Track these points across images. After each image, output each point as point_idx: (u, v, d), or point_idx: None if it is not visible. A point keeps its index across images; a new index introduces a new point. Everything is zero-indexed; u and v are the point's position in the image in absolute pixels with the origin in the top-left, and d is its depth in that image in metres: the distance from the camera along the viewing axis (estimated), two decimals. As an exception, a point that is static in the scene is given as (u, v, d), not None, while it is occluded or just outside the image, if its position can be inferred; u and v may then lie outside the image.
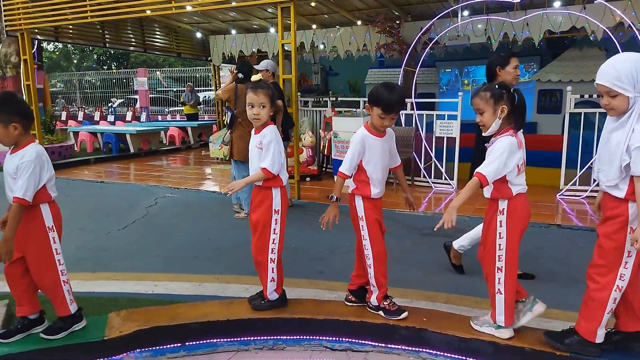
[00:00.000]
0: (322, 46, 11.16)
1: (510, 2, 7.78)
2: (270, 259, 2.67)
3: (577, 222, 5.07)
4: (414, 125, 7.05)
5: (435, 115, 6.83)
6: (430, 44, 7.71)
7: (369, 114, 2.57)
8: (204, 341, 2.61)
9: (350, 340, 2.60)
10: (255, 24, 10.82)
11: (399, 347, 2.52)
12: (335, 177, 2.69)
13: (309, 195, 6.50)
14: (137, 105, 16.64)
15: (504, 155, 2.20)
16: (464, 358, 2.40)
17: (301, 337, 2.65)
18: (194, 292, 3.37)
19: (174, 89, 21.32)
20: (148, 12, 7.53)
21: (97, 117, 15.97)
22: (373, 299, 2.68)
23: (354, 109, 8.13)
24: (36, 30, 8.64)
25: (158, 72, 20.98)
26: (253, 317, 2.64)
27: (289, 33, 6.31)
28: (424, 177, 6.94)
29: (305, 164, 7.53)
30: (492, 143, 2.31)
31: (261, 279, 2.74)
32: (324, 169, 7.98)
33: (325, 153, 7.87)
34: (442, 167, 6.75)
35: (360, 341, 2.59)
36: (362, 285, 2.81)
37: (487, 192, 2.35)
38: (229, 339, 2.64)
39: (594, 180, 5.65)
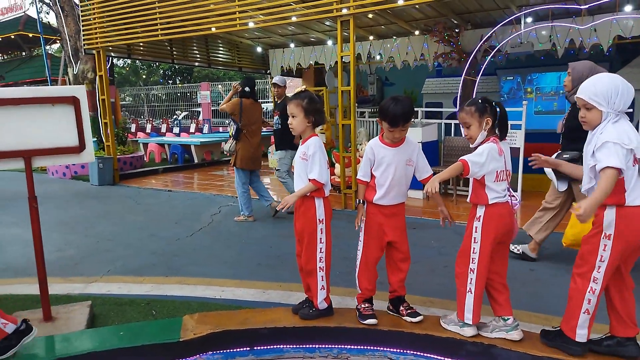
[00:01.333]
0: (378, 57, 11.19)
1: (577, 8, 7.49)
2: (319, 267, 2.73)
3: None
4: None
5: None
6: (493, 52, 7.51)
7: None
8: (272, 346, 2.70)
9: (415, 352, 2.59)
10: (312, 37, 11.03)
11: (466, 362, 2.48)
12: (358, 185, 2.85)
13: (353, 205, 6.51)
14: (200, 117, 17.36)
15: (484, 155, 2.37)
16: (534, 377, 2.32)
17: (365, 347, 2.67)
18: (259, 299, 3.49)
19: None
20: (213, 29, 7.90)
21: (163, 129, 16.82)
22: (356, 299, 2.86)
23: (412, 119, 8.07)
24: (110, 48, 9.28)
25: (219, 86, 21.82)
26: (319, 326, 2.70)
27: (348, 45, 6.39)
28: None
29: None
30: (474, 149, 2.48)
31: (311, 288, 2.80)
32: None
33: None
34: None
35: (425, 354, 2.57)
36: (398, 295, 2.84)
37: (469, 197, 2.55)
38: (295, 346, 2.71)
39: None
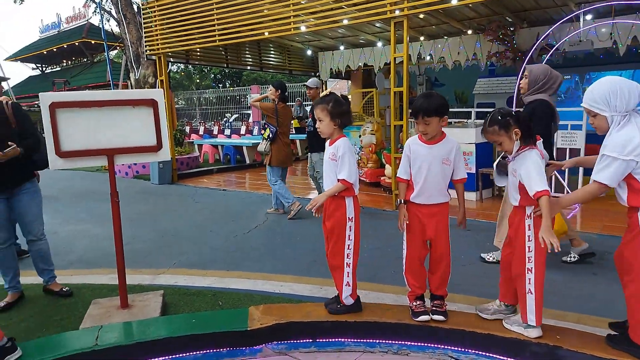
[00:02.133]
0: (428, 57, 11.09)
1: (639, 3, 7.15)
2: (346, 263, 2.80)
3: None
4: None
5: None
6: (551, 51, 7.29)
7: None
8: (334, 339, 2.78)
9: (476, 352, 2.60)
10: (362, 39, 11.09)
11: (530, 362, 2.47)
12: (398, 184, 2.88)
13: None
14: (250, 120, 17.79)
15: (538, 165, 2.39)
16: (603, 380, 2.28)
17: (426, 344, 2.70)
18: (316, 294, 3.58)
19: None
20: (266, 34, 8.11)
21: (215, 131, 17.37)
22: (408, 298, 2.88)
23: (465, 120, 7.97)
24: (170, 54, 9.71)
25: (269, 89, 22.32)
26: (380, 321, 2.76)
27: (399, 46, 6.41)
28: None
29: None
30: (513, 159, 2.51)
31: (336, 283, 2.87)
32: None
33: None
34: (564, 181, 6.35)
35: (487, 354, 2.57)
36: (434, 294, 2.85)
37: (515, 200, 2.53)
38: (356, 340, 2.78)
39: None
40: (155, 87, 10.65)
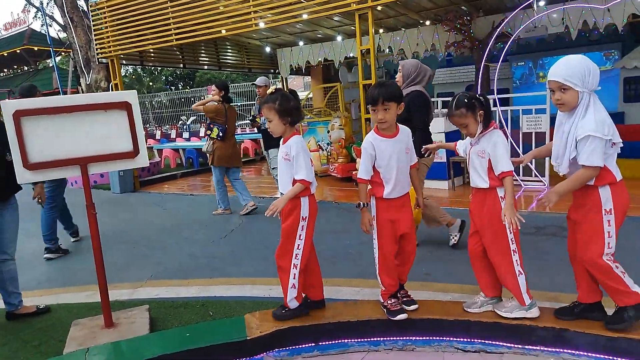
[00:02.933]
0: (387, 50, 11.14)
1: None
2: (293, 264, 2.68)
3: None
4: (497, 122, 6.86)
5: (521, 110, 6.61)
6: (510, 40, 7.44)
7: None
8: (337, 341, 2.69)
9: (483, 341, 2.57)
10: (320, 34, 11.00)
11: (537, 348, 2.46)
12: (359, 185, 2.74)
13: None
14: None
15: (505, 144, 2.47)
16: (610, 358, 2.31)
17: (431, 337, 2.66)
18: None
19: (238, 104, 22.10)
20: (223, 31, 7.87)
21: (173, 135, 16.86)
22: (381, 297, 2.78)
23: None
24: (122, 56, 9.28)
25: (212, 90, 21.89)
26: (383, 318, 2.69)
27: (365, 38, 6.38)
28: (511, 175, 6.72)
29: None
30: (477, 142, 2.53)
31: (282, 285, 2.74)
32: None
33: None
34: (532, 164, 6.51)
35: (494, 342, 2.55)
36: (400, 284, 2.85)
37: (484, 182, 2.52)
38: (359, 340, 2.70)
39: None
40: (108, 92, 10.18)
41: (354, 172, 7.65)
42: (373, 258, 2.78)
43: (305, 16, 7.17)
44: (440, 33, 9.80)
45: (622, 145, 2.28)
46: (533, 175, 6.55)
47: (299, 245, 2.68)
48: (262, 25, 7.43)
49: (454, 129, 7.06)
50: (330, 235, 4.92)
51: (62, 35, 20.45)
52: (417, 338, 2.67)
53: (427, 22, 9.84)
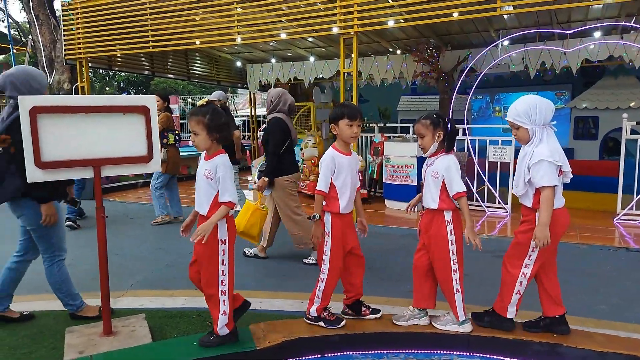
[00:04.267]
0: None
1: (549, 32, 8.08)
2: (221, 291, 2.58)
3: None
4: (466, 151, 7.24)
5: (488, 140, 7.01)
6: (480, 75, 7.91)
7: (337, 134, 2.83)
8: (342, 353, 2.75)
9: (482, 355, 2.72)
10: (292, 53, 11.18)
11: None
12: (316, 196, 2.85)
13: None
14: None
15: (458, 168, 2.69)
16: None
17: (432, 351, 2.77)
18: (299, 309, 3.49)
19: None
20: (197, 42, 7.84)
21: (130, 143, 16.33)
22: (313, 310, 2.88)
23: (404, 134, 8.34)
24: (90, 59, 9.00)
25: (189, 99, 21.54)
26: (388, 331, 2.78)
27: (344, 61, 6.57)
28: (476, 200, 7.09)
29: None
30: (432, 164, 2.76)
31: (212, 313, 2.65)
32: (373, 192, 8.15)
33: (375, 177, 8.05)
34: (496, 192, 6.90)
35: (492, 356, 2.70)
36: (358, 299, 3.00)
37: (434, 203, 2.73)
38: (363, 352, 2.77)
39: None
40: (71, 94, 9.78)
41: (325, 191, 7.78)
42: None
43: (283, 35, 7.31)
44: (408, 62, 10.24)
45: (571, 176, 2.63)
46: (497, 202, 6.94)
47: (223, 271, 2.58)
48: (239, 40, 7.48)
49: (420, 155, 7.37)
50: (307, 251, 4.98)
51: (13, 32, 19.46)
52: (419, 351, 2.78)
53: (398, 52, 10.26)
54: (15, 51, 11.18)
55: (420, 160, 7.16)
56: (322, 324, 2.84)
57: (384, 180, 7.58)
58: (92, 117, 2.57)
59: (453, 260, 2.70)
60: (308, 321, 2.88)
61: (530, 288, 2.75)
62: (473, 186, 7.09)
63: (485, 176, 6.98)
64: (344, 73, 6.62)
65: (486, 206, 7.02)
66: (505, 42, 8.64)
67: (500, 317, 2.76)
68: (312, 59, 11.16)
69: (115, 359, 2.45)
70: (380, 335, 2.78)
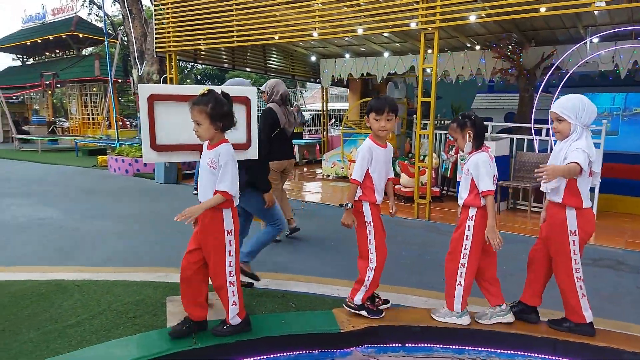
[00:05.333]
0: (428, 70, 11.29)
1: (643, 29, 7.53)
2: (229, 282, 2.57)
3: None
4: (549, 152, 6.95)
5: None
6: (569, 74, 7.54)
7: (369, 126, 2.85)
8: (423, 345, 2.80)
9: (569, 359, 2.66)
10: (365, 48, 11.20)
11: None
12: (350, 185, 2.87)
13: (431, 216, 6.57)
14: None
15: (488, 166, 2.70)
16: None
17: (517, 352, 2.74)
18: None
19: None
20: (276, 37, 8.10)
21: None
22: (358, 299, 2.89)
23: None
24: (178, 52, 9.54)
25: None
26: (470, 328, 2.78)
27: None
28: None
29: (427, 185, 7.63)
30: (467, 162, 2.80)
31: (223, 303, 2.63)
32: (445, 191, 8.04)
33: (449, 175, 7.93)
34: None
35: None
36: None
37: (461, 199, 2.81)
38: (444, 346, 2.80)
39: None
40: (160, 84, 10.44)
41: (396, 187, 7.77)
42: (368, 261, 2.90)
43: (360, 31, 7.36)
44: (487, 58, 9.94)
45: (599, 179, 2.69)
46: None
47: (230, 262, 2.56)
48: (315, 35, 7.62)
49: (500, 155, 7.16)
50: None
51: (100, 25, 21.00)
52: (502, 351, 2.76)
53: (477, 47, 9.98)
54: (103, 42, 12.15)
55: (499, 159, 6.96)
56: (364, 312, 2.87)
57: (457, 179, 7.44)
58: (200, 105, 2.78)
59: (463, 254, 2.75)
60: (349, 309, 2.91)
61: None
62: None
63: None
64: (422, 69, 6.56)
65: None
66: (595, 40, 8.17)
67: (580, 325, 2.71)
68: (386, 54, 11.13)
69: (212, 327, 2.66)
70: (462, 331, 2.79)
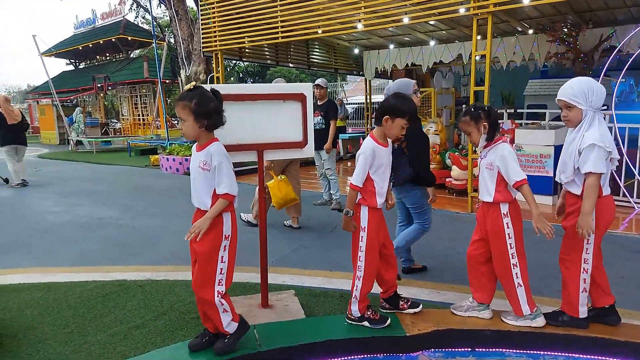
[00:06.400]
0: (477, 57, 10.88)
1: None
2: (217, 291, 2.34)
3: None
4: (613, 139, 6.52)
5: (640, 128, 6.25)
6: (636, 54, 7.04)
7: (383, 126, 2.62)
8: (494, 350, 2.65)
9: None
10: (409, 38, 10.92)
11: None
12: (350, 191, 2.65)
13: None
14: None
15: (515, 155, 2.57)
16: None
17: (596, 357, 2.56)
18: (435, 299, 3.44)
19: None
20: (319, 31, 8.00)
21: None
22: (355, 311, 2.71)
23: (539, 121, 7.78)
24: (224, 50, 9.62)
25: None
26: (546, 332, 2.62)
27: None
28: (624, 196, 6.37)
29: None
30: (485, 156, 2.66)
31: (211, 316, 2.39)
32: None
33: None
34: (621, 181, 6.15)
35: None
36: (395, 291, 2.89)
37: (489, 196, 2.64)
38: (518, 351, 2.65)
39: None
40: (206, 84, 10.60)
41: (447, 180, 7.54)
42: (356, 269, 2.72)
43: (406, 20, 7.15)
44: (540, 43, 9.47)
45: (617, 163, 2.53)
46: (621, 193, 6.18)
47: (222, 269, 2.34)
48: (360, 27, 7.48)
49: (561, 144, 6.79)
50: (440, 241, 4.88)
51: (147, 27, 21.57)
52: (581, 356, 2.58)
53: (530, 31, 9.52)
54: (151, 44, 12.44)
55: (558, 150, 6.61)
56: (366, 323, 2.69)
57: (513, 170, 7.13)
58: (257, 104, 2.75)
59: (512, 254, 2.60)
60: (350, 322, 2.73)
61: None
62: (621, 180, 6.38)
63: (635, 168, 6.24)
64: (475, 56, 6.30)
65: (635, 202, 6.28)
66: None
67: (573, 318, 2.65)
68: (432, 43, 10.81)
69: (276, 330, 2.62)
70: (537, 335, 2.63)
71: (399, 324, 2.71)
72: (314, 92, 6.81)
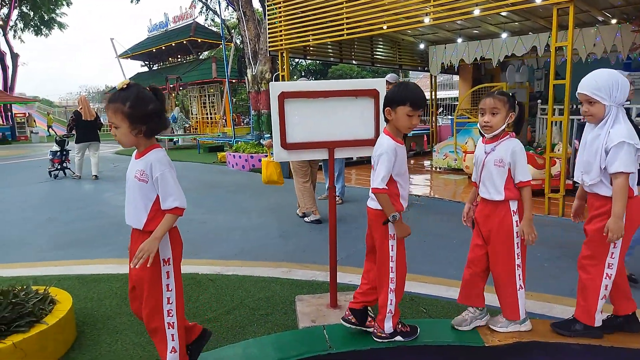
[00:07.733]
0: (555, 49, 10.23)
1: None
2: (168, 323, 2.05)
3: None
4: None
5: None
6: None
7: (390, 120, 2.39)
8: (582, 363, 2.45)
9: None
10: (478, 31, 10.47)
11: None
12: (378, 196, 2.34)
13: (565, 212, 5.89)
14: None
15: (525, 154, 2.42)
16: None
17: None
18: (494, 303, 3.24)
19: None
20: (384, 27, 7.84)
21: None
22: (388, 327, 2.47)
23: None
24: (290, 49, 9.72)
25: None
26: (634, 347, 2.38)
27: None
28: None
29: (557, 177, 6.91)
30: (493, 150, 2.45)
31: (159, 349, 2.10)
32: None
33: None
34: None
35: None
36: (367, 305, 2.62)
37: (499, 195, 2.43)
38: (608, 366, 2.43)
39: None
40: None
41: (520, 179, 7.14)
42: (388, 282, 2.45)
43: (477, 12, 6.83)
44: (624, 33, 8.75)
45: None
46: None
47: (169, 298, 2.04)
48: (427, 21, 7.25)
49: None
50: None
51: (215, 29, 22.32)
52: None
53: (613, 21, 8.82)
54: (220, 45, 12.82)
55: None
56: (399, 338, 2.49)
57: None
58: (328, 101, 2.72)
59: (517, 253, 2.46)
60: (380, 340, 2.49)
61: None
62: None
63: None
64: (555, 48, 5.91)
65: None
66: None
67: (587, 327, 2.49)
68: (503, 35, 10.30)
69: (346, 331, 2.58)
70: (630, 351, 2.40)
71: (476, 332, 2.57)
72: None
